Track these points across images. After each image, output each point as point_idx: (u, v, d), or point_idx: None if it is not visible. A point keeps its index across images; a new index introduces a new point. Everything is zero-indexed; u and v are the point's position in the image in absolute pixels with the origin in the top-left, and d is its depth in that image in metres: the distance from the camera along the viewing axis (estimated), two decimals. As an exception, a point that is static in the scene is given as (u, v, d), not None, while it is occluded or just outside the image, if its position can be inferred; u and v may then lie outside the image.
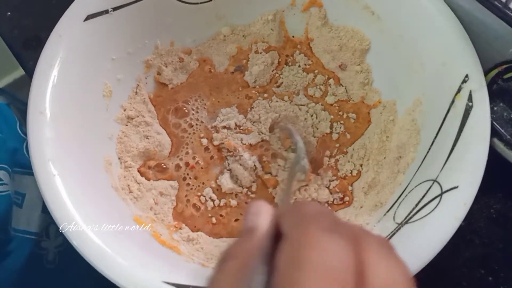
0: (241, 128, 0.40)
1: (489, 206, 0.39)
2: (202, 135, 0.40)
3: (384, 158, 0.37)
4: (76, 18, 0.34)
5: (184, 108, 0.41)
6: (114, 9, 0.36)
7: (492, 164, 0.32)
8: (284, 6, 0.42)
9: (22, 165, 0.41)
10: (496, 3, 0.32)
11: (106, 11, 0.36)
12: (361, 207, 0.36)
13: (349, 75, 0.41)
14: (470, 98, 0.31)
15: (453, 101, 0.32)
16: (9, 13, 0.48)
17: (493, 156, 0.32)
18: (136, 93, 0.39)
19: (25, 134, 0.44)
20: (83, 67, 0.34)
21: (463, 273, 0.37)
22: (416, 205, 0.30)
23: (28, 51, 0.46)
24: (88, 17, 0.35)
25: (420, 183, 0.32)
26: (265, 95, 0.41)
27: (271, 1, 0.41)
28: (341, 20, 0.40)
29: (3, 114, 0.42)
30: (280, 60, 0.42)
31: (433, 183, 0.30)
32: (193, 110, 0.41)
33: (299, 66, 0.42)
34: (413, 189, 0.32)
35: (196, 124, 0.40)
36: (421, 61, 0.35)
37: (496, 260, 0.37)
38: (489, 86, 0.35)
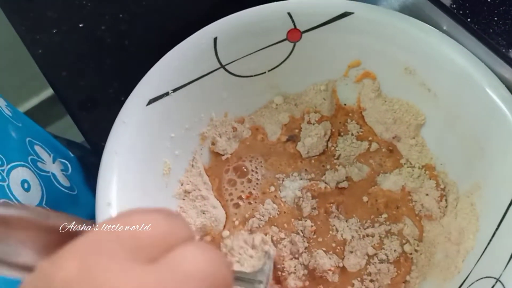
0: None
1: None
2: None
3: (441, 240, 0.37)
4: (139, 103, 0.35)
5: (243, 167, 0.42)
6: (174, 90, 0.37)
7: None
8: (337, 77, 0.42)
9: None
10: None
11: (167, 93, 0.37)
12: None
13: (403, 147, 0.41)
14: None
15: (516, 193, 0.32)
16: (64, 72, 0.50)
17: None
18: (192, 166, 0.40)
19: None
20: (145, 150, 0.35)
21: None
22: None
23: (83, 113, 0.48)
24: (150, 101, 0.36)
25: (481, 278, 0.32)
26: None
27: (323, 72, 0.42)
28: (395, 93, 0.40)
29: (78, 168, 0.44)
30: (333, 130, 0.42)
31: (496, 282, 0.30)
32: (252, 169, 0.42)
33: (352, 135, 0.42)
34: (473, 283, 0.32)
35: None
36: (480, 146, 0.35)
37: None
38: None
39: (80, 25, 0.52)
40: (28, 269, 0.17)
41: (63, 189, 0.42)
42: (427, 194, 0.39)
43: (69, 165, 0.46)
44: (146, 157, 0.35)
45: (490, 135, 0.34)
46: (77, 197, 0.43)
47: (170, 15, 0.51)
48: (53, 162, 0.43)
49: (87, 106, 0.48)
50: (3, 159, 0.35)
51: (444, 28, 0.37)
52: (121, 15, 0.52)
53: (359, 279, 0.37)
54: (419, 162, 0.40)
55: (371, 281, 0.37)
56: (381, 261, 0.38)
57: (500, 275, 0.30)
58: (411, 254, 0.38)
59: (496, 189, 0.34)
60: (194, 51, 0.38)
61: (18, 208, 0.18)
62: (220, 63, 0.39)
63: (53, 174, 0.41)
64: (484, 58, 0.35)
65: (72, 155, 0.49)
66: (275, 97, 0.43)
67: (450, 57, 0.36)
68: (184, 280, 0.16)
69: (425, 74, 0.38)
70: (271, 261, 0.34)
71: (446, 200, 0.38)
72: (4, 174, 0.35)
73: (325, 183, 0.40)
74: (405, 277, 0.37)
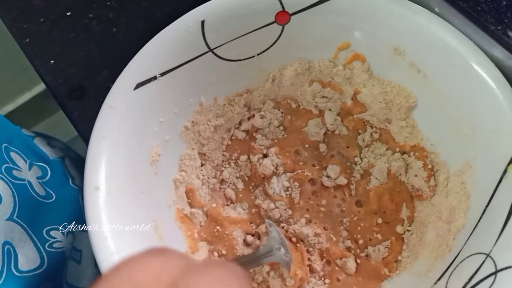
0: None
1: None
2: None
3: (432, 219, 0.37)
4: (126, 87, 0.35)
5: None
6: (162, 74, 0.37)
7: None
8: (326, 59, 0.42)
9: (82, 221, 0.42)
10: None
11: (155, 77, 0.36)
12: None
13: (394, 129, 0.41)
14: (523, 174, 0.31)
15: (505, 171, 0.32)
16: (52, 61, 0.49)
17: None
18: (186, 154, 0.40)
19: (79, 188, 0.46)
20: (134, 134, 0.35)
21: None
22: (469, 280, 0.30)
23: (72, 101, 0.47)
24: (138, 86, 0.35)
25: (472, 255, 0.32)
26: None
27: (313, 55, 0.41)
28: (386, 75, 0.40)
29: (57, 172, 0.43)
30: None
31: (486, 257, 0.30)
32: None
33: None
34: (464, 259, 0.32)
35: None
36: (471, 125, 0.35)
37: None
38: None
39: (68, 14, 0.51)
40: None
41: (38, 197, 0.40)
42: (415, 175, 0.38)
43: (48, 169, 0.44)
44: (134, 142, 0.35)
45: (480, 114, 0.34)
46: (53, 204, 0.42)
47: (158, 1, 0.50)
48: (29, 169, 0.41)
49: (76, 95, 0.48)
50: None
51: (434, 8, 0.37)
52: (108, 3, 0.52)
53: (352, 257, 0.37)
54: (409, 143, 0.40)
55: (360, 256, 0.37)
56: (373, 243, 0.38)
57: (490, 251, 0.30)
58: (402, 234, 0.38)
59: (487, 168, 0.34)
60: (181, 35, 0.37)
61: None
62: (209, 47, 0.38)
63: (29, 182, 0.40)
64: (473, 36, 0.35)
65: (52, 158, 0.47)
66: (265, 83, 0.43)
67: (439, 36, 0.36)
68: None
69: (414, 55, 0.38)
70: (275, 227, 0.35)
71: (434, 179, 0.38)
72: None
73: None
74: (396, 256, 0.37)
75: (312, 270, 0.37)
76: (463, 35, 0.35)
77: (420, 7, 0.37)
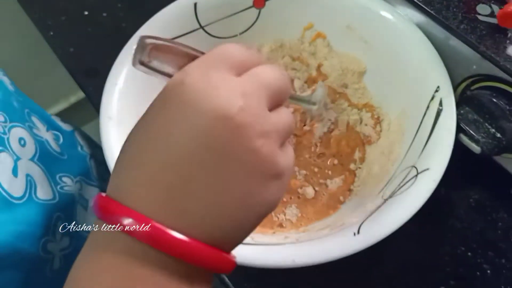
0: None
1: (469, 196, 0.47)
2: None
3: (377, 157, 0.46)
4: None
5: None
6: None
7: (472, 163, 0.42)
8: (295, 38, 0.52)
9: (88, 177, 0.51)
10: (460, 32, 0.41)
11: (157, 44, 0.46)
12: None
13: (349, 92, 0.50)
14: (440, 103, 0.40)
15: (428, 106, 0.41)
16: (72, 49, 0.60)
17: (474, 157, 0.41)
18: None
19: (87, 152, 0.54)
20: (141, 82, 0.44)
21: (446, 250, 0.45)
22: (399, 185, 0.39)
23: (88, 79, 0.57)
24: (143, 48, 0.45)
25: (403, 170, 0.40)
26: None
27: (285, 34, 0.52)
28: (342, 48, 0.50)
29: (69, 140, 0.52)
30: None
31: (411, 168, 0.39)
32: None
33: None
34: (399, 174, 0.41)
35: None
36: (405, 78, 0.44)
37: (474, 239, 0.45)
38: (461, 95, 0.44)
39: (85, 13, 0.62)
40: (170, 76, 0.27)
41: (54, 152, 0.48)
42: (366, 124, 0.48)
43: (61, 136, 0.53)
44: (142, 87, 0.44)
45: (411, 68, 0.44)
46: (65, 161, 0.50)
47: (160, 4, 0.61)
48: (47, 131, 0.49)
49: (90, 74, 0.58)
50: (6, 117, 0.42)
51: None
52: (119, 5, 0.63)
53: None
54: (361, 102, 0.49)
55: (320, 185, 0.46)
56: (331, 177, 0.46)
57: (415, 163, 0.39)
58: (355, 170, 0.47)
59: (416, 106, 0.43)
60: (177, 14, 0.47)
61: (165, 40, 0.28)
62: (200, 24, 0.49)
63: (46, 140, 0.48)
64: (408, 12, 0.46)
65: (65, 129, 0.55)
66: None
67: (379, 14, 0.46)
68: (259, 86, 0.25)
69: (362, 30, 0.48)
70: (323, 89, 0.41)
71: (380, 126, 0.47)
72: (6, 129, 0.41)
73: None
74: (349, 187, 0.46)
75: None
76: (398, 12, 0.46)
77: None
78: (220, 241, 0.24)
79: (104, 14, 0.62)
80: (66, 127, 0.56)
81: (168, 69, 0.27)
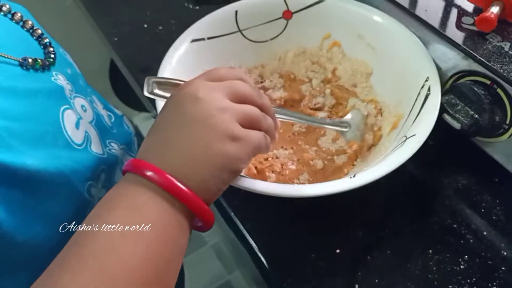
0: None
1: (457, 181, 0.55)
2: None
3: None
4: (186, 40, 0.56)
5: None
6: (208, 38, 0.58)
7: (461, 151, 0.51)
8: (315, 46, 0.63)
9: (130, 149, 0.61)
10: (449, 36, 0.51)
11: (203, 39, 0.58)
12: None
13: (358, 91, 0.60)
14: (429, 89, 0.50)
15: (419, 93, 0.50)
16: (131, 52, 0.72)
17: (465, 145, 0.50)
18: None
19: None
20: (187, 70, 0.55)
21: (435, 221, 0.52)
22: (392, 150, 0.47)
23: (142, 75, 0.69)
24: (193, 41, 0.57)
25: (396, 141, 0.49)
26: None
27: (307, 42, 0.62)
28: (353, 54, 0.60)
29: (118, 120, 0.62)
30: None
31: (403, 137, 0.48)
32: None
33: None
34: (392, 145, 0.49)
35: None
36: (403, 75, 0.54)
37: (460, 214, 0.52)
38: (450, 86, 0.53)
39: (145, 26, 0.75)
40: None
41: (106, 125, 0.57)
42: (370, 115, 0.57)
43: (112, 116, 0.62)
44: (185, 74, 0.55)
45: (409, 66, 0.54)
46: (115, 133, 0.59)
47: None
48: (103, 109, 0.59)
49: (145, 70, 0.69)
50: (73, 88, 0.51)
51: (378, 4, 0.58)
52: (172, 21, 0.76)
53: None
54: (368, 98, 0.59)
55: (328, 160, 0.54)
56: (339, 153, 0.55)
57: (407, 132, 0.48)
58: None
59: (411, 92, 0.52)
60: (220, 18, 0.59)
61: (163, 78, 0.45)
62: (239, 28, 0.60)
63: (102, 115, 0.57)
64: (404, 21, 0.56)
65: (118, 113, 0.65)
66: (273, 60, 0.63)
67: (382, 24, 0.57)
68: (224, 85, 0.38)
69: (369, 38, 0.58)
70: (359, 114, 0.56)
71: (381, 115, 0.56)
72: (72, 96, 0.50)
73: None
74: (353, 162, 0.54)
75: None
76: (399, 23, 0.56)
77: (372, 7, 0.58)
78: (200, 188, 0.35)
79: (160, 27, 0.75)
80: (117, 112, 0.67)
81: (169, 94, 0.41)
